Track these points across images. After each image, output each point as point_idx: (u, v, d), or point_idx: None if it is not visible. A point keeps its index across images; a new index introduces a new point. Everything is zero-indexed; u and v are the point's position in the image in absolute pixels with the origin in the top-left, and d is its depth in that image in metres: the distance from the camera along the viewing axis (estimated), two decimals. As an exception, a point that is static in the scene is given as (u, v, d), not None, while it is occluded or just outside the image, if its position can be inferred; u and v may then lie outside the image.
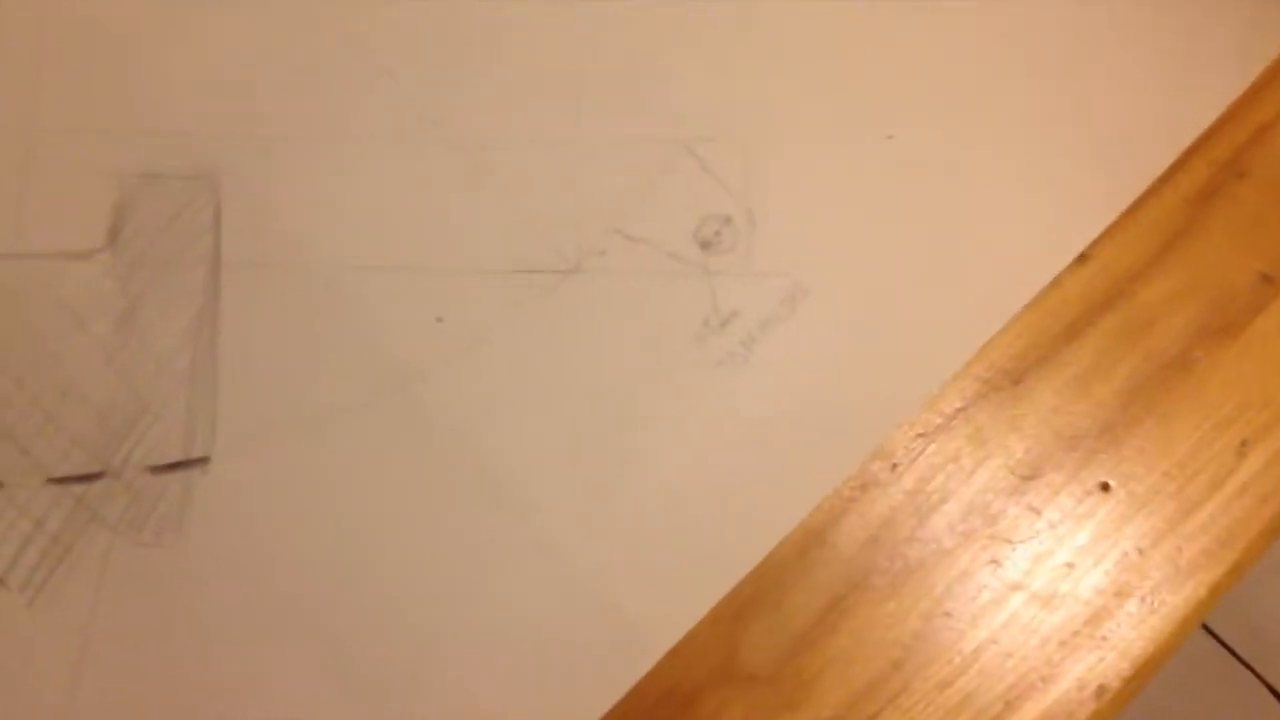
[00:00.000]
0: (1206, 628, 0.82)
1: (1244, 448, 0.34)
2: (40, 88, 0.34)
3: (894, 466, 0.34)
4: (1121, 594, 0.33)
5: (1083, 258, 0.35)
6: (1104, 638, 0.32)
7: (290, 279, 0.35)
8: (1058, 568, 0.33)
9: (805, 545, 0.33)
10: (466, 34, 0.36)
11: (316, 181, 0.35)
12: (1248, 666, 0.82)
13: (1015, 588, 0.33)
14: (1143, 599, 0.33)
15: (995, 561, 0.33)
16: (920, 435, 0.34)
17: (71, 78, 0.34)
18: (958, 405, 0.34)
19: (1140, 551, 0.33)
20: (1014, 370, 0.34)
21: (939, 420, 0.34)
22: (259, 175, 0.35)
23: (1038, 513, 0.33)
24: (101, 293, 0.34)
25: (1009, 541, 0.33)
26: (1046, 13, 0.36)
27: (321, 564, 0.33)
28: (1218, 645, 0.82)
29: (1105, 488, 0.33)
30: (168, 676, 0.32)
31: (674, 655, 0.32)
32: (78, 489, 0.33)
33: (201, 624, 0.32)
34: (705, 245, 0.35)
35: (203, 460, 0.34)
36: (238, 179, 0.35)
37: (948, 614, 0.33)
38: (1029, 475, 0.34)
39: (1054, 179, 0.35)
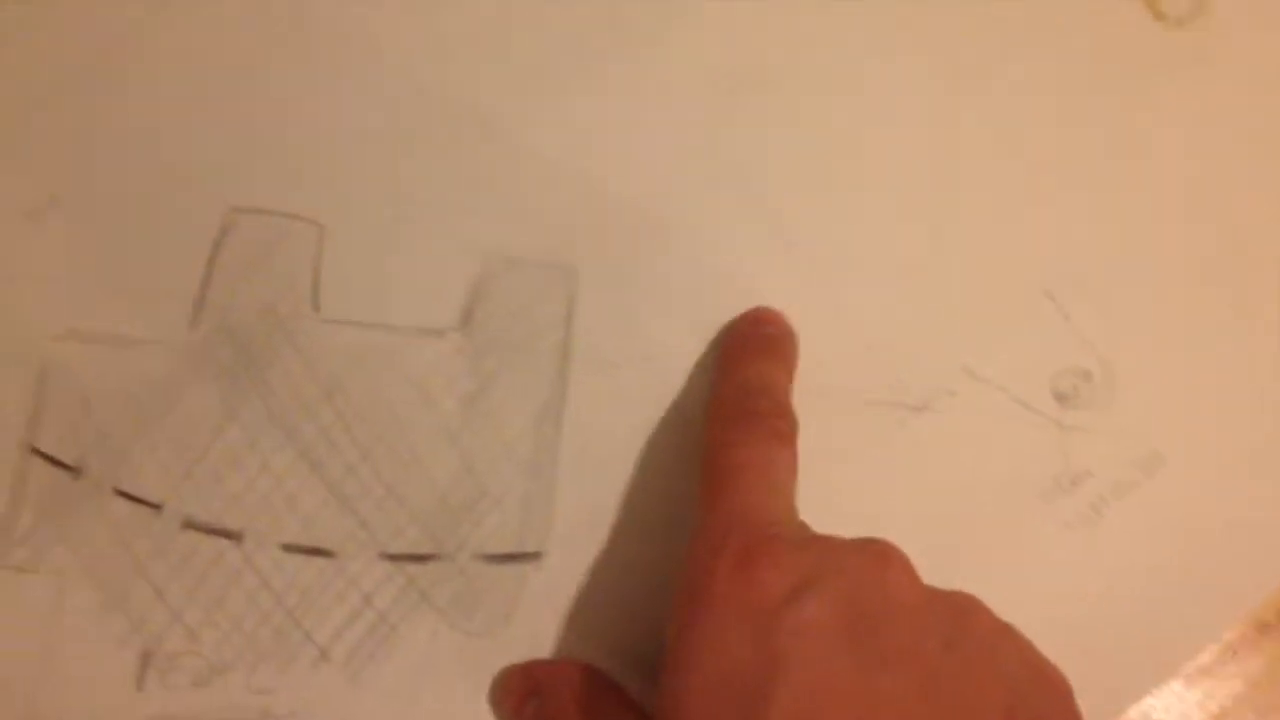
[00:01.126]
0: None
1: None
2: (409, 159, 0.34)
3: (1234, 653, 0.33)
4: None
5: None
6: None
7: (640, 380, 0.34)
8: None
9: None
10: (826, 151, 0.35)
11: (674, 285, 0.35)
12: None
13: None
14: None
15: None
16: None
17: (440, 152, 0.34)
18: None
19: None
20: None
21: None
22: (618, 272, 0.35)
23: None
24: (452, 372, 0.34)
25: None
26: None
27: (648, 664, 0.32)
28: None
29: None
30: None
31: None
32: (411, 568, 0.33)
33: None
34: (1061, 398, 0.34)
35: (536, 555, 0.34)
36: (597, 273, 0.34)
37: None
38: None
39: None
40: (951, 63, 0.35)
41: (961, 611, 0.27)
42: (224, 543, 0.33)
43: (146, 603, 0.32)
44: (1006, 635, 0.27)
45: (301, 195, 0.34)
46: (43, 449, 0.33)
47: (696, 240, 0.35)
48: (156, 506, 0.33)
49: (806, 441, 0.32)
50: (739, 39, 0.35)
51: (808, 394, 0.34)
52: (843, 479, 0.34)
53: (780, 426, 0.31)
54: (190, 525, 0.33)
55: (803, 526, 0.29)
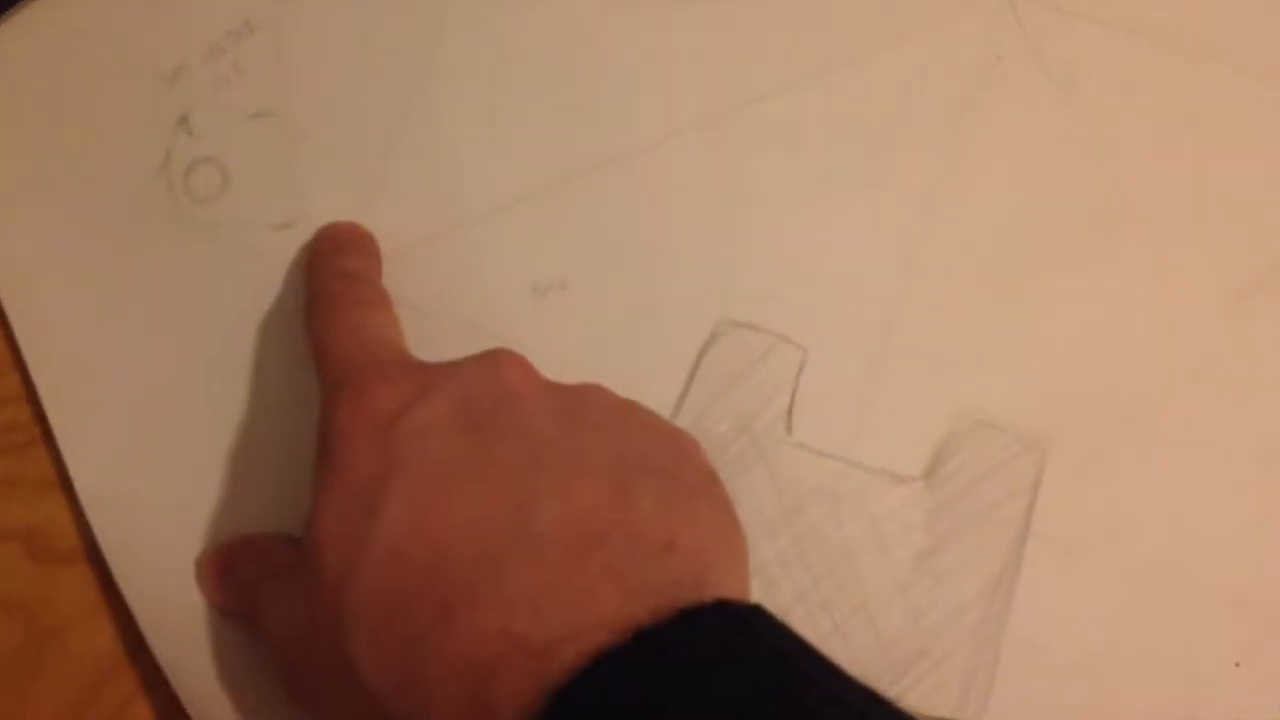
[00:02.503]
0: None
1: None
2: (904, 302, 0.35)
3: None
4: None
5: None
6: None
7: (1099, 567, 0.33)
8: None
9: None
10: None
11: (1144, 476, 0.34)
12: None
13: None
14: None
15: None
16: None
17: (935, 302, 0.35)
18: None
19: None
20: None
21: None
22: (1087, 453, 0.34)
23: None
24: (910, 521, 0.34)
25: None
26: None
27: None
28: None
29: None
30: None
31: None
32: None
33: None
34: None
35: (973, 726, 0.33)
36: (1068, 452, 0.34)
37: None
38: None
39: None
40: None
41: (579, 394, 0.29)
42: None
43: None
44: (625, 408, 0.29)
45: (792, 318, 0.35)
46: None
47: (1179, 436, 0.34)
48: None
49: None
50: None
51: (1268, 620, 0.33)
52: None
53: (364, 295, 0.31)
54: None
55: (417, 360, 0.29)
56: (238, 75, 0.35)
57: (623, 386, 0.34)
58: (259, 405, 0.34)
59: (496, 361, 0.28)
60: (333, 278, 0.32)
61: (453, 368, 0.28)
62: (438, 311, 0.34)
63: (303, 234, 0.34)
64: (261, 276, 0.34)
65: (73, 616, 0.33)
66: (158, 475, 0.33)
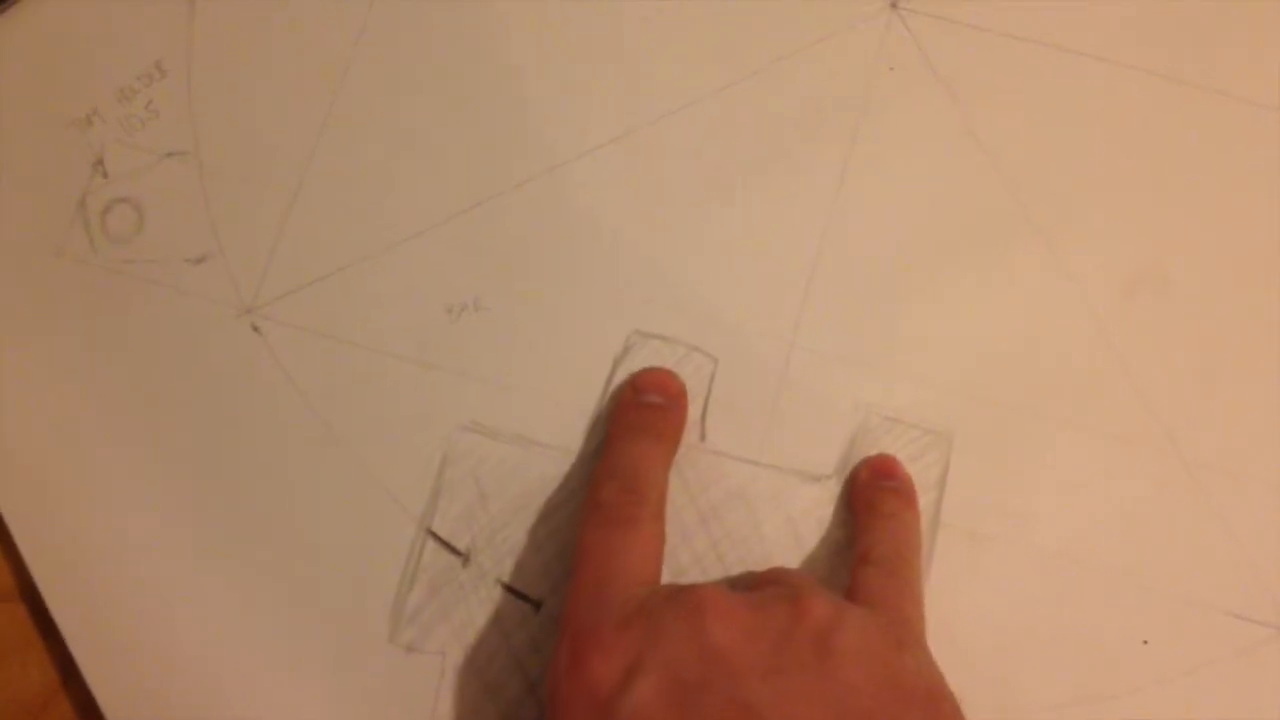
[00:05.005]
0: None
1: None
2: (807, 308, 0.36)
3: None
4: None
5: None
6: None
7: (1008, 555, 0.35)
8: None
9: None
10: (1210, 349, 0.36)
11: (1046, 464, 0.35)
12: None
13: None
14: None
15: None
16: None
17: (838, 305, 0.36)
18: None
19: None
20: None
21: None
22: (991, 445, 0.35)
23: None
24: (824, 517, 0.35)
25: None
26: None
27: None
28: None
29: None
30: None
31: None
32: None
33: None
34: None
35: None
36: (972, 444, 0.35)
37: None
38: None
39: None
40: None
41: (784, 634, 0.28)
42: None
43: (520, 696, 0.33)
44: (844, 648, 0.28)
45: (702, 327, 0.36)
46: (438, 532, 0.34)
47: (1077, 425, 0.35)
48: (536, 603, 0.34)
49: (1168, 648, 0.32)
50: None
51: (1172, 599, 0.34)
52: (1212, 684, 0.34)
53: (626, 512, 0.32)
54: (556, 628, 0.34)
55: (633, 598, 0.29)
56: (150, 117, 0.36)
57: (540, 400, 0.35)
58: (180, 438, 0.35)
59: (699, 613, 0.28)
60: (606, 478, 0.33)
61: (659, 624, 0.28)
62: (355, 339, 0.35)
63: (217, 267, 0.35)
64: (177, 311, 0.35)
65: (5, 651, 0.33)
66: (88, 511, 0.34)
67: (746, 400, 0.35)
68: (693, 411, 0.35)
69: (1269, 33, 0.37)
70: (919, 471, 0.35)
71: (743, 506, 0.35)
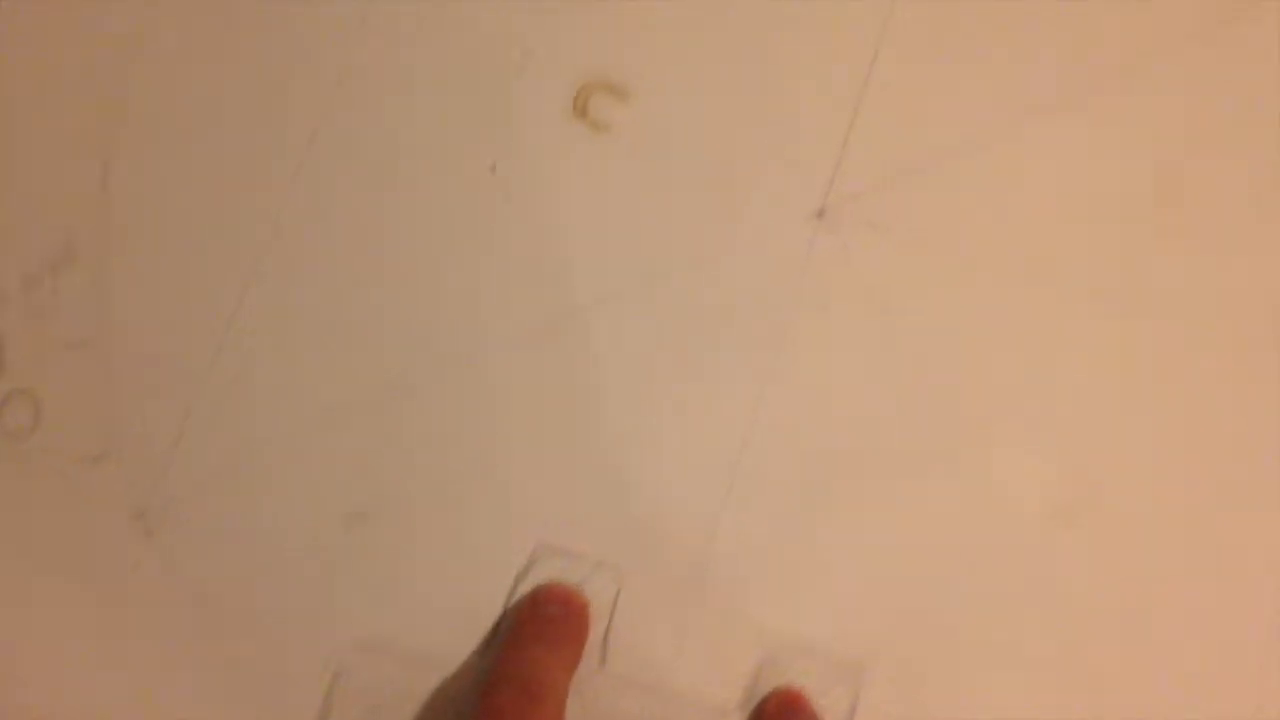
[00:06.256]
0: None
1: None
2: (721, 523, 0.35)
3: None
4: None
5: None
6: None
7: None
8: None
9: None
10: (1138, 577, 0.35)
11: (962, 701, 0.34)
12: None
13: None
14: None
15: None
16: None
17: (754, 522, 0.35)
18: None
19: None
20: None
21: None
22: (902, 676, 0.34)
23: None
24: (730, 753, 0.34)
25: None
26: None
27: None
28: None
29: None
30: None
31: None
32: None
33: None
34: None
35: None
36: (883, 675, 0.34)
37: None
38: None
39: None
40: None
41: None
42: None
43: None
44: None
45: (609, 542, 0.35)
46: (324, 754, 0.33)
47: (994, 657, 0.34)
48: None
49: None
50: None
51: None
52: None
53: (522, 717, 0.30)
54: None
55: None
56: (56, 304, 0.35)
57: (436, 615, 0.34)
58: (67, 639, 0.34)
59: None
60: (501, 683, 0.31)
61: None
62: (248, 545, 0.34)
63: (114, 467, 0.34)
64: (70, 510, 0.34)
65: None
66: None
67: (652, 623, 0.34)
68: (595, 633, 0.34)
69: (1196, 253, 0.36)
70: (827, 706, 0.34)
71: (634, 737, 0.34)
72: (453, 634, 0.34)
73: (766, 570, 0.35)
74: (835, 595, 0.35)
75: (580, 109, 0.36)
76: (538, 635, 0.33)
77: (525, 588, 0.34)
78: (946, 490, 0.35)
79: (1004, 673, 0.34)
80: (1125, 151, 0.36)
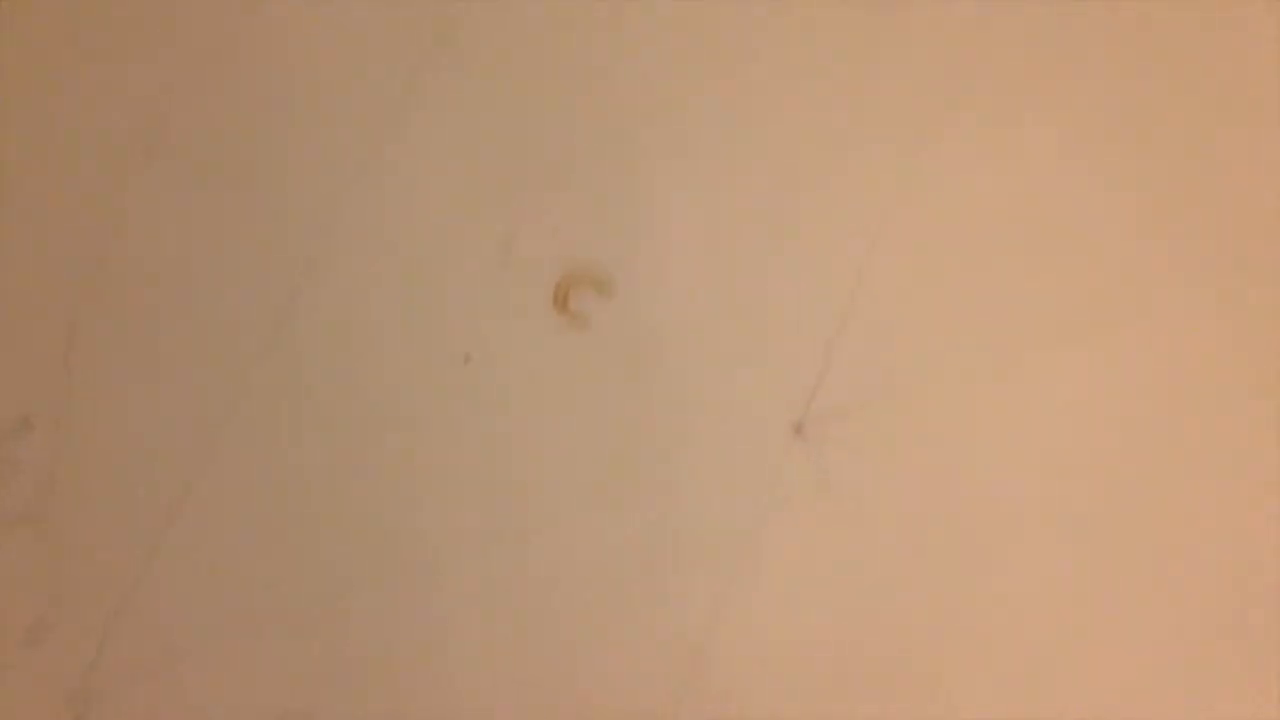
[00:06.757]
0: None
1: None
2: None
3: None
4: None
5: None
6: None
7: None
8: None
9: None
10: None
11: None
12: None
13: None
14: None
15: None
16: None
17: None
18: None
19: None
20: None
21: None
22: None
23: None
24: None
25: None
26: None
27: None
28: None
29: None
30: None
31: None
32: None
33: None
34: None
35: None
36: None
37: None
38: None
39: None
40: None
41: None
42: None
43: None
44: None
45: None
46: None
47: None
48: None
49: None
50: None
51: None
52: None
53: None
54: None
55: None
56: (8, 475, 0.34)
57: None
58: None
59: None
60: None
61: None
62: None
63: (51, 649, 0.33)
64: (7, 693, 0.33)
65: None
66: None
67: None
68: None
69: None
70: None
71: None
72: None
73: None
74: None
75: (561, 301, 0.35)
76: None
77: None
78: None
79: (1001, 674, 0.33)
80: (1111, 387, 0.35)
